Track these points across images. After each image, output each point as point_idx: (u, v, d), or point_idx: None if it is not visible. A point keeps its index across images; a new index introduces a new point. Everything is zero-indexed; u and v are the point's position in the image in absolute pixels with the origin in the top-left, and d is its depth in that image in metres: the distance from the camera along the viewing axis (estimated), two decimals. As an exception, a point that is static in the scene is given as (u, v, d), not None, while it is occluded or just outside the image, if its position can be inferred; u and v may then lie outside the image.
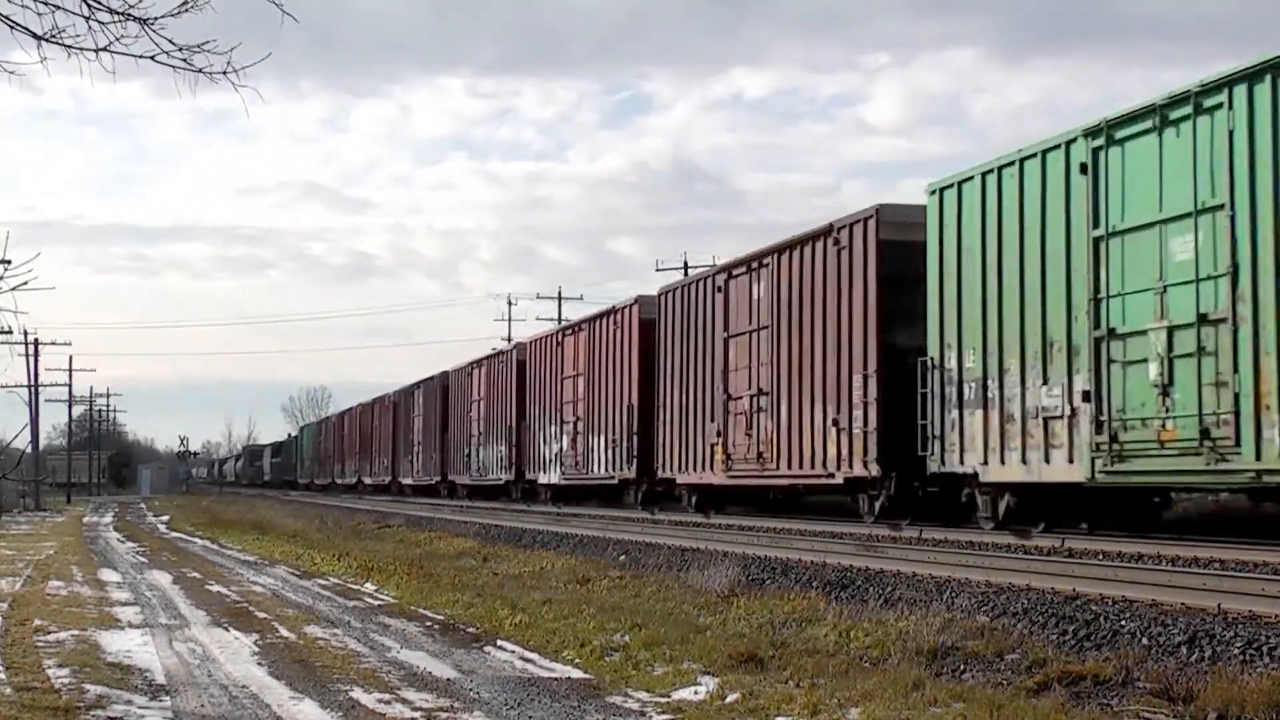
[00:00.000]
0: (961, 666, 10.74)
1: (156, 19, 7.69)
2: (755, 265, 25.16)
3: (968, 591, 13.63)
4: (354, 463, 71.57)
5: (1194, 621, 10.87)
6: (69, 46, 7.75)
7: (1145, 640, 10.57)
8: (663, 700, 10.03)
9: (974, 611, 12.58)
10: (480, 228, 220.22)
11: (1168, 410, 15.16)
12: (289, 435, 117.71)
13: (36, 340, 71.44)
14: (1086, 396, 16.35)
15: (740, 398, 25.64)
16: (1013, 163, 17.88)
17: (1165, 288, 15.21)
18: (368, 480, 67.64)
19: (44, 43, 7.79)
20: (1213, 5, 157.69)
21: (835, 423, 21.93)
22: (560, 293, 74.59)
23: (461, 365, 48.37)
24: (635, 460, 31.17)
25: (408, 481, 57.48)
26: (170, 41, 7.79)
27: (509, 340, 71.79)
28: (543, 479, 38.54)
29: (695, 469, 27.72)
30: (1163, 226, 15.32)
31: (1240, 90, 14.40)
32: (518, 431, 40.75)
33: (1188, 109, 14.99)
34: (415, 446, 55.68)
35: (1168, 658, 10.06)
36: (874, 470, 21.02)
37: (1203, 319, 14.70)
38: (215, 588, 19.85)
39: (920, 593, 14.00)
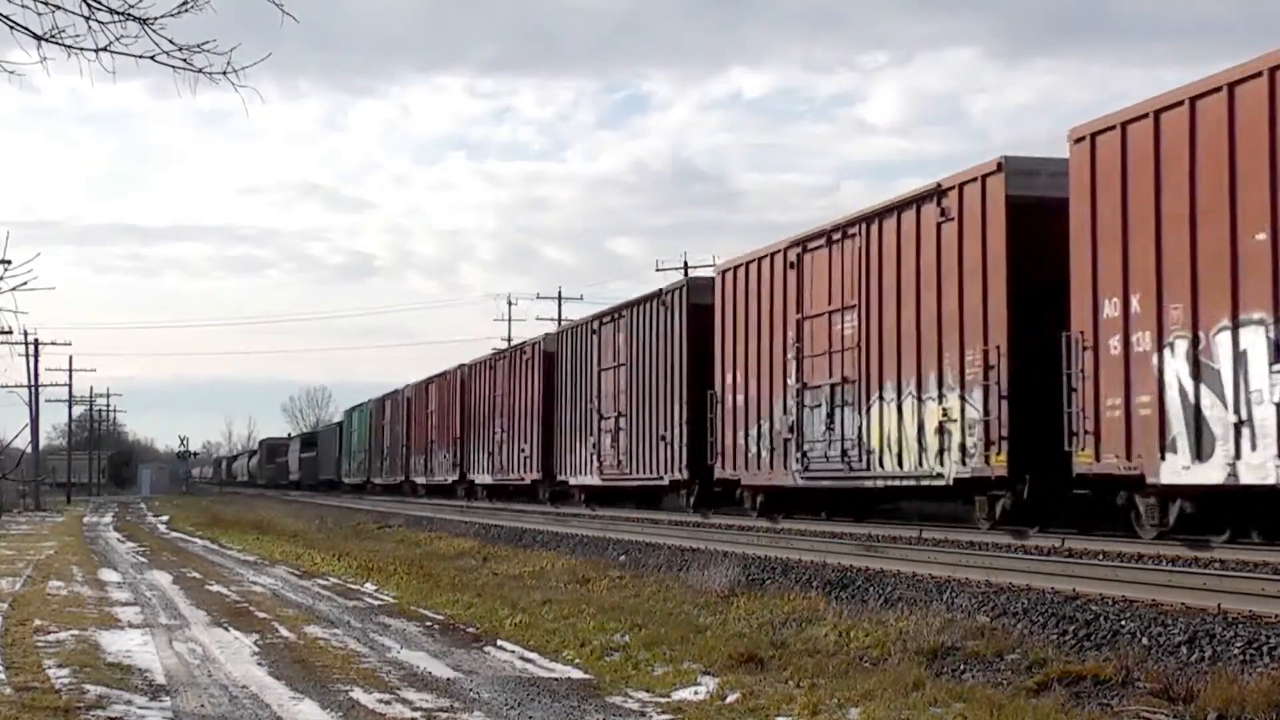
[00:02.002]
0: (961, 666, 10.74)
1: (156, 19, 7.70)
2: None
3: (968, 591, 13.64)
4: (449, 452, 49.28)
5: (1194, 621, 10.87)
6: (69, 46, 7.75)
7: (1145, 640, 10.57)
8: (663, 700, 10.03)
9: (974, 611, 12.59)
10: (479, 228, 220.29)
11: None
12: (314, 425, 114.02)
13: (36, 340, 71.55)
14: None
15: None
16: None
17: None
18: (482, 478, 45.27)
19: (44, 43, 7.80)
20: (1213, 5, 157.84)
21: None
22: (560, 293, 74.58)
23: (740, 259, 26.93)
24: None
25: (584, 480, 35.43)
26: (170, 41, 7.81)
27: (508, 341, 71.80)
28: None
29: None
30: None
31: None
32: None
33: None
34: (604, 422, 33.58)
35: (1168, 658, 10.06)
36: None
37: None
38: (215, 588, 19.85)
39: (920, 593, 14.00)
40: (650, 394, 30.55)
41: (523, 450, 40.72)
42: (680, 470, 28.94)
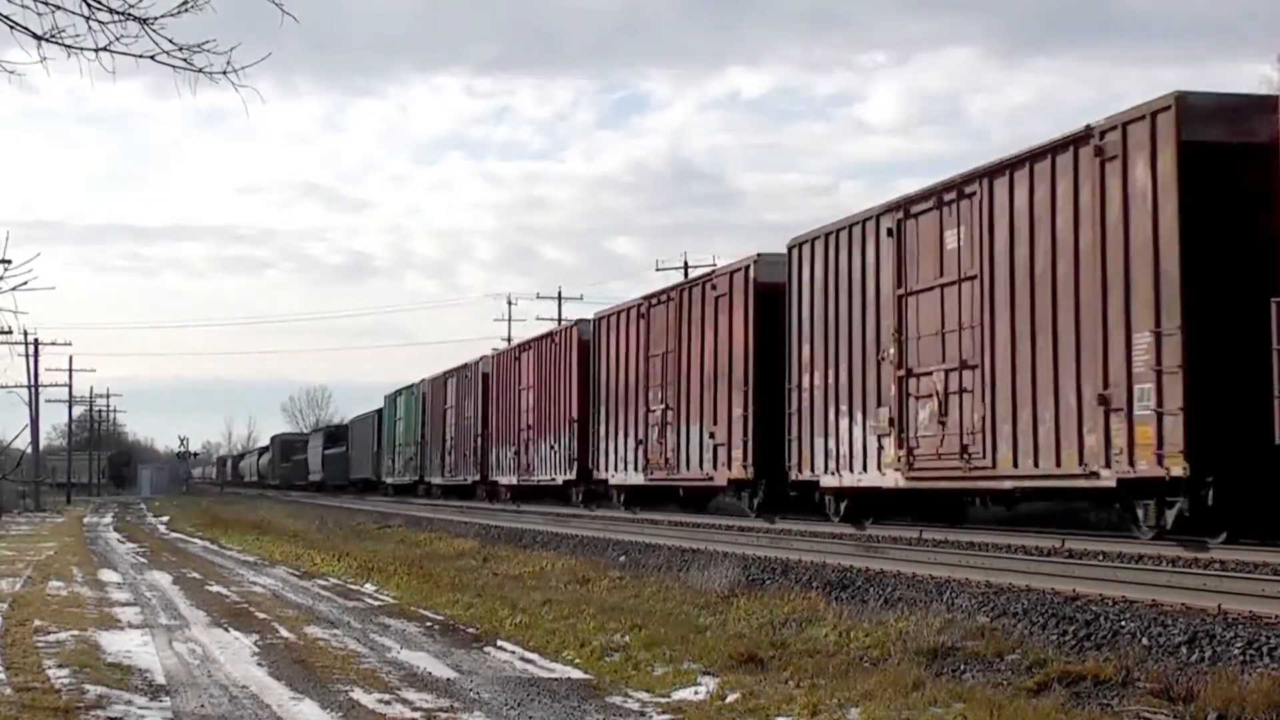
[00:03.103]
0: (961, 666, 10.74)
1: (156, 19, 7.70)
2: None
3: (968, 592, 13.64)
4: (560, 443, 35.63)
5: (1194, 621, 10.87)
6: (69, 46, 7.75)
7: (1145, 640, 10.57)
8: (663, 700, 10.04)
9: (974, 612, 12.59)
10: (478, 227, 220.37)
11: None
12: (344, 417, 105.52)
13: (36, 340, 71.51)
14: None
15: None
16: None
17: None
18: (621, 477, 31.45)
19: (44, 43, 7.79)
20: (1212, 5, 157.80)
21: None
22: (560, 293, 74.37)
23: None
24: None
25: (856, 480, 22.11)
26: (170, 41, 7.80)
27: (508, 340, 71.81)
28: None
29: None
30: None
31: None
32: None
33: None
34: (917, 380, 20.35)
35: (1168, 658, 10.06)
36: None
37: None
38: (215, 588, 19.86)
39: (920, 593, 14.00)
40: (1037, 329, 17.46)
41: (711, 436, 26.53)
42: (1167, 456, 15.22)
